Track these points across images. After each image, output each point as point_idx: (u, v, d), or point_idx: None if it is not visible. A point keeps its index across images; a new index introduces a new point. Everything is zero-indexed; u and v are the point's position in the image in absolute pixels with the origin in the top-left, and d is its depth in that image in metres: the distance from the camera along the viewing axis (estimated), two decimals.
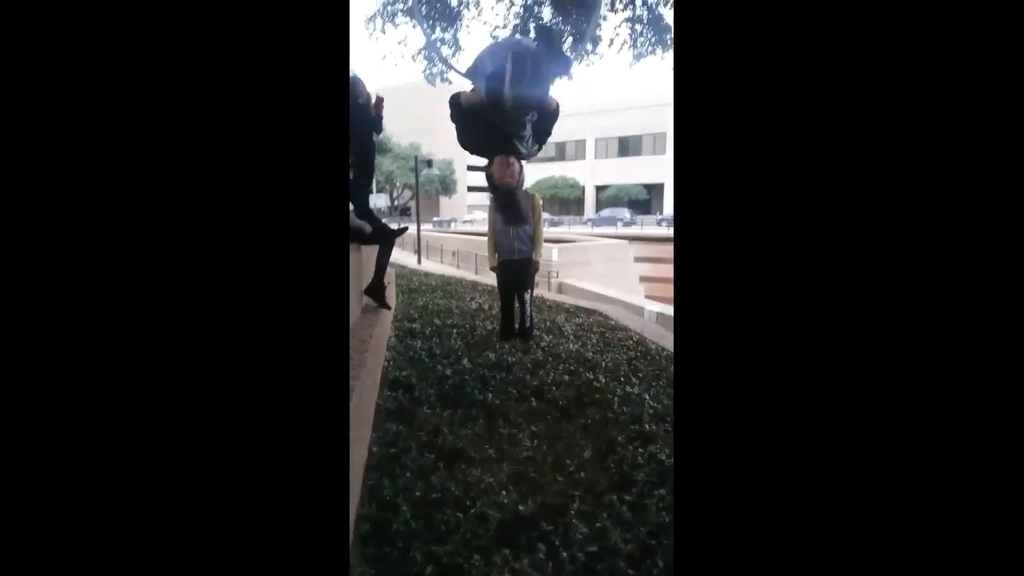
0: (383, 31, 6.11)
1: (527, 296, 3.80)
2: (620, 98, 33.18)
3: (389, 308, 3.17)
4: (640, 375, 3.01)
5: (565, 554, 1.46)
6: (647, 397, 2.63)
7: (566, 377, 2.95)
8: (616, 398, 2.64)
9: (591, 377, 2.93)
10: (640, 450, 2.07)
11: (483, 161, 2.88)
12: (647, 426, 2.28)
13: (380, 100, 3.58)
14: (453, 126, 2.76)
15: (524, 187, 3.77)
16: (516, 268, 3.71)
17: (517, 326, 3.78)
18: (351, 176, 3.39)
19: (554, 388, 2.77)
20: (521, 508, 1.67)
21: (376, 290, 3.04)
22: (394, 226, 3.49)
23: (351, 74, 3.61)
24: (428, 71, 6.39)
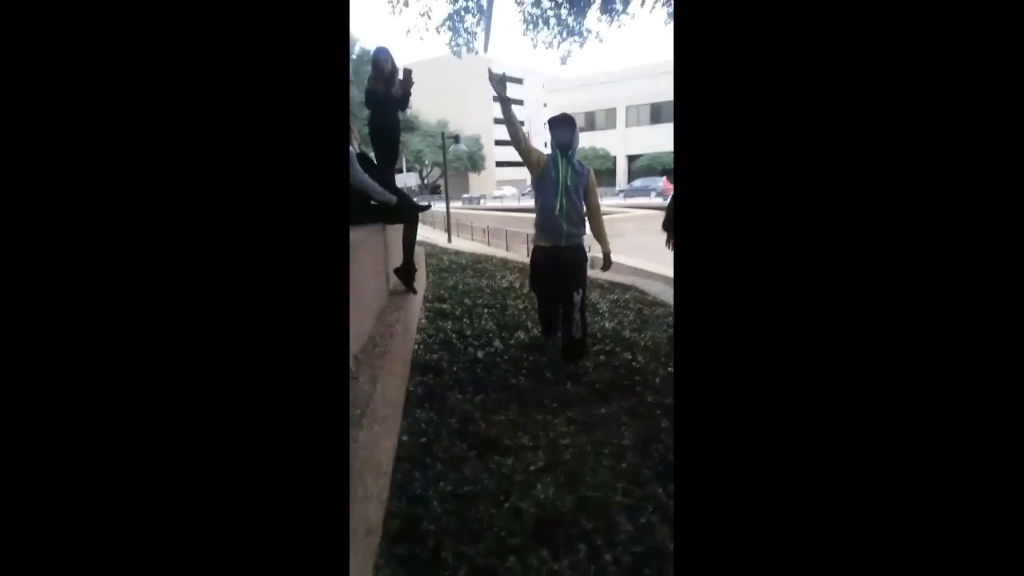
0: (406, 4, 5.91)
1: (576, 298, 2.60)
2: (650, 63, 31.86)
3: (415, 292, 3.05)
4: None
5: (608, 556, 1.36)
6: None
7: (602, 358, 2.82)
8: (657, 379, 2.50)
9: (629, 358, 2.79)
10: None
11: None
12: None
13: (408, 73, 3.36)
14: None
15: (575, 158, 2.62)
16: (562, 258, 2.56)
17: (561, 340, 2.70)
18: (375, 155, 3.27)
19: (591, 370, 2.65)
20: (559, 503, 1.57)
21: (406, 272, 2.93)
22: (423, 203, 3.33)
23: (378, 46, 3.44)
24: (454, 43, 6.18)
